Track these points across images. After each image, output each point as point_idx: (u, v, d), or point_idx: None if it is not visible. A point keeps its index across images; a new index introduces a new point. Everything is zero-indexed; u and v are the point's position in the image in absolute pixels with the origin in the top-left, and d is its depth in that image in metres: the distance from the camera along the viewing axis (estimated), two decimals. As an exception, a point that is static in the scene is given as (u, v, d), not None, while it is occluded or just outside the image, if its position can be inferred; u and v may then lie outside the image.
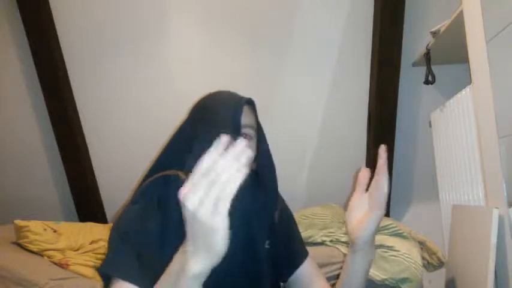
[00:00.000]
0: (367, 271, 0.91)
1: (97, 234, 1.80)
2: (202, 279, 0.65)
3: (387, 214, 2.18)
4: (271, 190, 0.98)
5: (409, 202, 2.24)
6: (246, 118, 0.91)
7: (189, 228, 0.62)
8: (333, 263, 1.48)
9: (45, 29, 1.93)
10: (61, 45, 2.00)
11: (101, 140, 2.17)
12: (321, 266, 1.41)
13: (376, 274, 1.43)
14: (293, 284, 1.00)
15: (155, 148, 2.28)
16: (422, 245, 1.58)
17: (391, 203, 2.20)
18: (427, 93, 2.06)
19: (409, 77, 2.04)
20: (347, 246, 1.52)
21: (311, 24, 2.02)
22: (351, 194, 0.93)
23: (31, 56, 1.98)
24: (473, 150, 1.41)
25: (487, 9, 1.21)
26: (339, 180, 2.22)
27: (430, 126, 1.85)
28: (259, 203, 0.92)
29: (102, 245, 1.72)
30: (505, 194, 1.14)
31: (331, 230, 1.66)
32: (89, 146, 2.16)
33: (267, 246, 0.91)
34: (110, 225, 2.05)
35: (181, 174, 0.86)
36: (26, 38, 1.95)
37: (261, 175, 0.96)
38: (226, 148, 0.77)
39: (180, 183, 0.83)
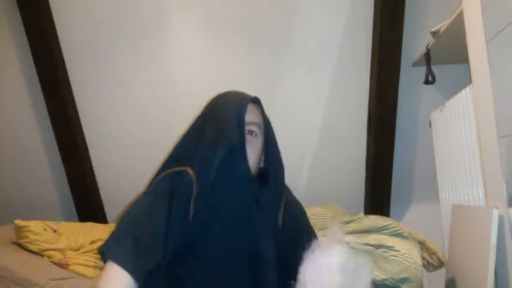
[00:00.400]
0: None
1: (97, 234, 1.80)
2: None
3: (387, 214, 2.18)
4: (276, 188, 0.98)
5: (409, 202, 2.24)
6: (250, 115, 0.93)
7: None
8: (333, 263, 1.48)
9: (45, 29, 1.93)
10: (61, 45, 2.00)
11: (101, 140, 2.17)
12: (321, 266, 1.40)
13: (376, 274, 1.43)
14: None
15: (155, 148, 2.29)
16: (422, 245, 1.58)
17: (391, 203, 2.20)
18: (427, 93, 2.06)
19: (409, 77, 2.04)
20: (347, 246, 1.52)
21: (311, 24, 2.02)
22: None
23: (31, 56, 1.98)
24: (473, 150, 1.41)
25: (487, 9, 1.21)
26: (339, 180, 2.22)
27: (430, 126, 1.85)
28: (265, 200, 0.93)
29: (102, 245, 1.72)
30: (505, 194, 1.14)
31: (331, 230, 1.66)
32: (89, 146, 2.16)
33: (271, 243, 0.92)
34: (110, 225, 2.05)
35: (190, 170, 0.89)
36: (26, 38, 1.95)
37: (268, 174, 0.97)
38: None
39: (188, 179, 0.87)
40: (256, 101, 0.97)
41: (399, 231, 1.55)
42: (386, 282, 1.42)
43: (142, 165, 2.17)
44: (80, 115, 2.11)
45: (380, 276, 1.42)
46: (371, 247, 1.49)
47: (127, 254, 0.80)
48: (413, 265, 1.43)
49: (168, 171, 0.92)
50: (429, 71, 1.91)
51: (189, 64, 2.10)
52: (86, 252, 1.67)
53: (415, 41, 1.97)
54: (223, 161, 0.87)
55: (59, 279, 1.41)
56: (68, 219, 2.24)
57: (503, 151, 1.15)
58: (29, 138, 2.17)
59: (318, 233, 1.63)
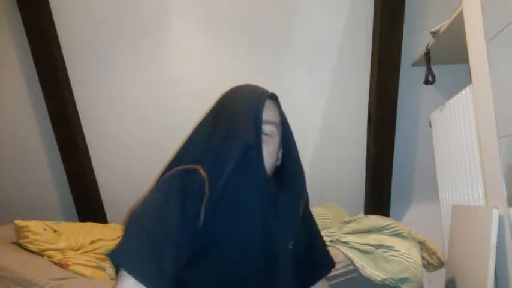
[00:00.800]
0: None
1: (97, 234, 1.80)
2: None
3: (387, 214, 2.18)
4: (297, 188, 0.94)
5: (409, 202, 2.24)
6: (268, 114, 0.88)
7: None
8: (333, 263, 1.48)
9: (45, 29, 1.93)
10: (61, 45, 2.00)
11: (101, 140, 2.17)
12: (321, 266, 1.41)
13: (376, 274, 1.43)
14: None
15: (155, 148, 2.29)
16: (422, 245, 1.58)
17: (391, 203, 2.20)
18: (427, 93, 2.06)
19: (409, 77, 2.04)
20: (347, 246, 1.52)
21: (311, 24, 2.02)
22: None
23: (31, 56, 1.98)
24: (473, 150, 1.41)
25: (487, 9, 1.21)
26: (339, 180, 2.22)
27: (430, 126, 1.85)
28: (282, 201, 0.89)
29: (102, 245, 1.72)
30: (505, 194, 1.14)
31: (331, 230, 1.66)
32: (89, 146, 2.16)
33: (290, 247, 0.88)
34: (110, 225, 2.05)
35: (201, 170, 0.82)
36: (26, 38, 1.95)
37: (285, 172, 0.93)
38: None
39: (200, 178, 0.80)
40: (273, 97, 0.92)
41: (399, 231, 1.55)
42: (386, 282, 1.42)
43: (142, 165, 2.17)
44: (80, 115, 2.11)
45: (380, 276, 1.42)
46: (371, 247, 1.49)
47: (145, 266, 0.72)
48: (413, 265, 1.43)
49: (179, 167, 0.85)
50: (429, 71, 1.91)
51: (189, 64, 2.10)
52: (86, 252, 1.67)
53: (415, 41, 1.97)
54: (238, 161, 0.81)
55: (59, 279, 1.40)
56: (68, 219, 2.24)
57: (503, 151, 1.15)
58: (29, 138, 2.17)
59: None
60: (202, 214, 0.78)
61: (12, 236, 1.66)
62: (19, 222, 1.62)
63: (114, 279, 0.75)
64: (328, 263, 1.04)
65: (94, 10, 1.99)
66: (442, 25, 1.70)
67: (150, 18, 2.01)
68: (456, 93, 1.54)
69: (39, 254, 1.58)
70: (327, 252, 1.05)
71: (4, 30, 2.01)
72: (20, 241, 1.61)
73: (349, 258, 1.47)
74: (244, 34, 2.05)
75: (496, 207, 1.17)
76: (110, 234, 1.82)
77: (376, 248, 1.48)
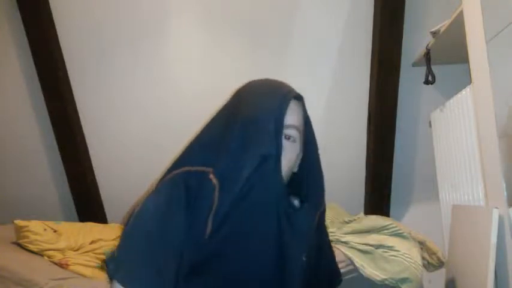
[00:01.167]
0: None
1: (97, 234, 1.80)
2: None
3: (387, 214, 2.18)
4: (315, 197, 0.85)
5: (409, 202, 2.24)
6: (291, 117, 0.78)
7: None
8: (333, 263, 1.48)
9: (45, 29, 1.93)
10: (61, 45, 2.00)
11: (101, 140, 2.17)
12: (321, 266, 1.40)
13: (376, 274, 1.43)
14: None
15: (155, 148, 2.29)
16: (422, 245, 1.58)
17: (391, 203, 2.20)
18: (427, 93, 2.06)
19: (409, 77, 2.04)
20: (347, 246, 1.52)
21: (311, 24, 2.02)
22: None
23: (31, 56, 1.98)
24: (473, 150, 1.41)
25: (487, 9, 1.20)
26: (339, 180, 2.22)
27: (430, 126, 1.85)
28: (299, 212, 0.81)
29: (102, 245, 1.72)
30: (505, 194, 1.14)
31: (332, 230, 1.66)
32: (89, 146, 2.16)
33: (304, 258, 0.80)
34: (110, 225, 2.05)
35: (212, 175, 0.73)
36: (26, 38, 1.95)
37: (304, 179, 0.85)
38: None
39: (210, 184, 0.72)
40: (298, 98, 0.82)
41: (399, 231, 1.55)
42: (386, 282, 1.42)
43: (142, 165, 2.18)
44: (80, 115, 2.11)
45: (380, 276, 1.42)
46: (371, 247, 1.49)
47: (142, 280, 0.66)
48: (413, 265, 1.43)
49: (186, 168, 0.76)
50: (429, 71, 1.91)
51: (189, 64, 2.10)
52: (86, 252, 1.67)
53: (415, 41, 1.97)
54: (253, 170, 0.72)
55: (59, 279, 1.41)
56: (68, 219, 2.24)
57: (503, 151, 1.15)
58: (29, 138, 2.17)
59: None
60: (209, 225, 0.70)
61: (12, 236, 1.66)
62: (19, 222, 1.62)
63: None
64: (337, 274, 0.98)
65: (94, 10, 1.99)
66: (442, 25, 1.70)
67: (150, 18, 2.01)
68: (456, 93, 1.54)
69: (39, 254, 1.58)
70: (335, 264, 0.99)
71: (4, 30, 2.01)
72: (20, 241, 1.61)
73: (349, 258, 1.47)
74: (244, 34, 2.05)
75: (496, 207, 1.17)
76: (110, 234, 1.82)
77: (376, 248, 1.48)
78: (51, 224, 1.71)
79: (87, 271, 1.53)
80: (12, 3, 1.92)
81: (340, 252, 1.50)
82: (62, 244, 1.63)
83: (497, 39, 1.14)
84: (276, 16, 2.02)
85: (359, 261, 1.46)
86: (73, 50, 2.03)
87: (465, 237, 1.40)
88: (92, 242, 1.74)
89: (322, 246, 0.92)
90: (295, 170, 0.84)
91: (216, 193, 0.71)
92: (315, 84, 2.11)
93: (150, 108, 2.13)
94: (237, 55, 2.07)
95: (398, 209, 2.21)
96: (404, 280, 1.41)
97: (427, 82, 1.93)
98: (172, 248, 0.69)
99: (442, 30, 1.70)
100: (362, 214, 1.84)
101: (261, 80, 0.85)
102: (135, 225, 0.72)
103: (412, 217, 2.21)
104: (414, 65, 2.04)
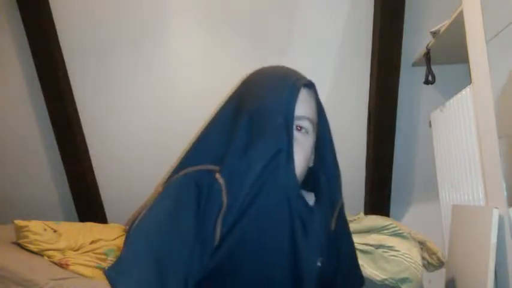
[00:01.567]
0: None
1: (97, 234, 1.80)
2: None
3: (387, 214, 2.18)
4: (331, 196, 0.79)
5: (409, 202, 2.24)
6: (302, 107, 0.72)
7: None
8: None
9: (45, 29, 1.92)
10: (61, 45, 2.00)
11: (101, 140, 2.17)
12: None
13: (376, 274, 1.43)
14: None
15: (155, 148, 2.29)
16: (422, 245, 1.58)
17: (391, 203, 2.20)
18: (427, 93, 2.06)
19: (409, 77, 2.04)
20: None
21: (311, 24, 2.02)
22: None
23: (31, 56, 1.98)
24: (473, 150, 1.41)
25: (487, 9, 1.20)
26: (339, 180, 2.22)
27: (430, 126, 1.85)
28: (312, 209, 0.74)
29: (102, 245, 1.72)
30: (505, 194, 1.14)
31: (331, 230, 1.66)
32: (89, 146, 2.16)
33: (318, 264, 0.74)
34: (110, 225, 2.05)
35: (218, 175, 0.68)
36: (26, 38, 1.94)
37: (319, 175, 0.78)
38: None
39: (217, 185, 0.67)
40: (309, 85, 0.76)
41: (399, 231, 1.56)
42: (386, 282, 1.42)
43: (142, 165, 2.18)
44: (80, 115, 2.11)
45: (380, 276, 1.42)
46: (371, 247, 1.49)
47: None
48: (413, 265, 1.43)
49: (193, 168, 0.71)
50: (429, 71, 1.91)
51: (189, 64, 2.10)
52: (86, 252, 1.67)
53: (415, 41, 1.97)
54: (264, 167, 0.66)
55: (59, 279, 1.41)
56: (68, 219, 2.24)
57: (503, 151, 1.15)
58: (29, 138, 2.17)
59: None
60: (218, 230, 0.65)
61: (12, 236, 1.66)
62: (19, 222, 1.62)
63: None
64: (359, 280, 0.89)
65: (94, 10, 1.99)
66: (442, 25, 1.70)
67: (150, 18, 2.01)
68: (456, 93, 1.54)
69: (39, 254, 1.58)
70: (357, 268, 0.90)
71: (4, 30, 2.01)
72: (20, 241, 1.61)
73: (349, 258, 1.47)
74: (244, 34, 2.05)
75: (496, 207, 1.17)
76: (110, 234, 1.82)
77: (376, 248, 1.48)
78: (51, 224, 1.71)
79: (87, 271, 1.53)
80: (12, 3, 1.92)
81: (340, 252, 1.50)
82: (62, 244, 1.63)
83: (497, 39, 1.14)
84: (276, 16, 2.02)
85: (359, 261, 1.46)
86: (73, 50, 2.02)
87: (465, 237, 1.40)
88: (92, 242, 1.74)
89: (342, 247, 0.84)
90: (311, 164, 0.78)
91: (224, 194, 0.66)
92: (315, 84, 2.11)
93: (150, 108, 2.13)
94: (237, 55, 2.07)
95: (398, 209, 2.21)
96: (404, 280, 1.41)
97: (427, 82, 1.93)
98: (178, 259, 0.62)
99: (442, 30, 1.70)
100: (362, 214, 1.84)
101: (267, 68, 0.80)
102: (138, 233, 0.65)
103: (412, 217, 2.21)
104: (414, 65, 2.04)
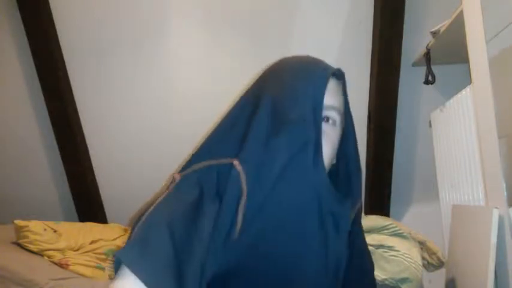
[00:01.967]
0: None
1: (97, 234, 1.80)
2: None
3: (387, 214, 2.18)
4: (352, 194, 0.73)
5: (409, 202, 2.24)
6: (331, 97, 0.67)
7: None
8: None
9: (45, 29, 1.93)
10: (61, 45, 2.00)
11: (101, 140, 2.17)
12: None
13: (376, 274, 1.42)
14: None
15: (155, 148, 2.29)
16: (422, 245, 1.58)
17: (391, 203, 2.20)
18: (427, 93, 2.06)
19: (409, 77, 2.04)
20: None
21: (311, 23, 2.02)
22: None
23: (31, 56, 1.98)
24: (473, 150, 1.41)
25: (487, 9, 1.20)
26: (339, 180, 2.22)
27: (430, 126, 1.85)
28: (344, 215, 0.69)
29: (102, 245, 1.73)
30: (505, 194, 1.14)
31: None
32: (89, 146, 2.16)
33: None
34: (110, 225, 2.05)
35: (236, 163, 0.61)
36: (26, 38, 1.95)
37: (344, 172, 0.73)
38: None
39: (236, 177, 0.61)
40: (338, 75, 0.70)
41: (399, 231, 1.56)
42: (386, 282, 1.42)
43: (142, 165, 2.18)
44: (80, 115, 2.11)
45: (380, 276, 1.42)
46: (371, 247, 1.49)
47: (159, 278, 0.53)
48: (413, 265, 1.43)
49: (208, 162, 0.65)
50: (429, 71, 1.91)
51: (189, 64, 2.10)
52: (86, 252, 1.68)
53: (415, 41, 1.97)
54: (290, 158, 0.61)
55: (59, 279, 1.41)
56: (68, 219, 2.24)
57: (503, 151, 1.15)
58: (29, 138, 2.17)
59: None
60: (238, 225, 0.59)
61: (12, 236, 1.66)
62: (19, 222, 1.62)
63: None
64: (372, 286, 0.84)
65: (94, 10, 1.99)
66: (442, 25, 1.70)
67: (150, 18, 2.01)
68: (456, 93, 1.54)
69: (39, 254, 1.58)
70: (370, 272, 0.86)
71: (4, 30, 2.01)
72: (20, 241, 1.61)
73: (349, 258, 1.47)
74: (244, 34, 2.05)
75: (496, 207, 1.17)
76: (110, 234, 1.83)
77: (376, 248, 1.48)
78: (51, 224, 1.71)
79: (87, 271, 1.53)
80: (12, 3, 1.92)
81: (340, 252, 1.50)
82: (62, 244, 1.63)
83: (497, 39, 1.14)
84: (276, 16, 2.02)
85: (359, 261, 1.46)
86: (73, 50, 2.03)
87: (465, 237, 1.40)
88: (92, 242, 1.74)
89: (357, 251, 0.80)
90: (335, 161, 0.72)
91: (244, 186, 0.60)
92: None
93: (150, 108, 2.13)
94: (237, 55, 2.07)
95: (398, 209, 2.21)
96: (404, 280, 1.41)
97: (427, 82, 1.93)
98: (196, 251, 0.57)
99: (442, 30, 1.70)
100: (362, 214, 1.84)
101: (293, 57, 0.74)
102: (152, 224, 0.58)
103: (412, 217, 2.21)
104: (414, 65, 2.04)
